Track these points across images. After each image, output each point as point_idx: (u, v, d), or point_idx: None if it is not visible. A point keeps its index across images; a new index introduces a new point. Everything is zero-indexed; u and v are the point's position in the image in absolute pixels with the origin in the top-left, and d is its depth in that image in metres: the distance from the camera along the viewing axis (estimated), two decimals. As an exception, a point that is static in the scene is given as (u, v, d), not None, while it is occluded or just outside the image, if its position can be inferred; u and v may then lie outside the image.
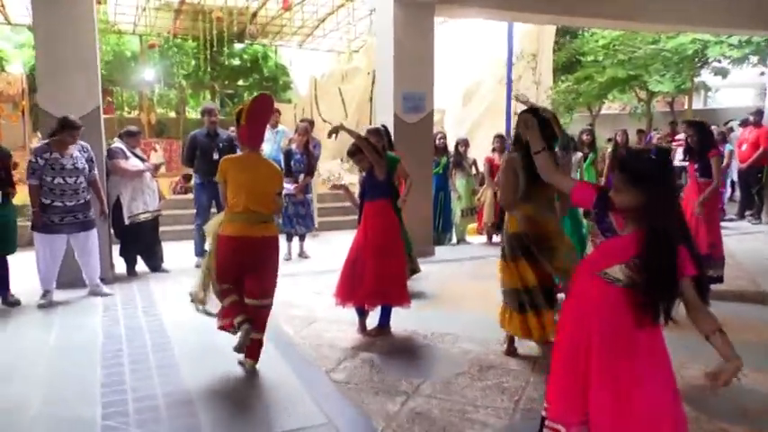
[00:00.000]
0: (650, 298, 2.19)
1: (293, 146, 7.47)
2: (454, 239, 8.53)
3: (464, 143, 8.41)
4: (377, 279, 4.44)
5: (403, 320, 4.80)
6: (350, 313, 4.76)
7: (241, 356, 4.02)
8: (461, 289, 6.11)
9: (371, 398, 3.59)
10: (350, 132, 4.67)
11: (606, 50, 12.74)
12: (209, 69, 16.63)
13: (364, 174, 4.70)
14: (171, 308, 5.43)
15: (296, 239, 7.59)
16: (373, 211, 4.55)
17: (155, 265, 6.76)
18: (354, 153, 4.60)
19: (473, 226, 8.62)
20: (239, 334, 3.80)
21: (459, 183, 8.29)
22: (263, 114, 3.98)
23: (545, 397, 2.64)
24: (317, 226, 7.94)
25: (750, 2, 9.12)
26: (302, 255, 7.58)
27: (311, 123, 8.25)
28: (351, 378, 3.88)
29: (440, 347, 4.44)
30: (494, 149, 8.33)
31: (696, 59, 12.17)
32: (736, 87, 20.83)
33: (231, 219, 3.84)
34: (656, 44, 12.29)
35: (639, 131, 12.40)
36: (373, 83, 14.96)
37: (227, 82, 18.81)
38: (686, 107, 16.64)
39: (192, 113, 20.29)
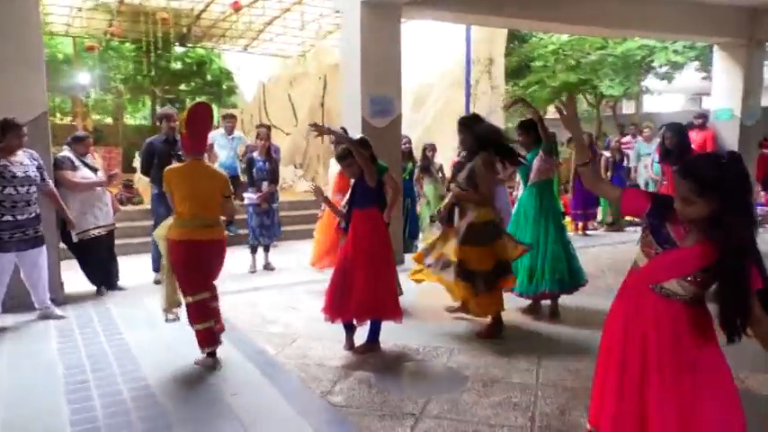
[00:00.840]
0: (725, 314, 2.05)
1: (255, 153, 7.10)
2: (421, 246, 8.33)
3: (432, 148, 8.25)
4: (368, 291, 4.19)
5: (389, 335, 4.54)
6: (332, 329, 4.47)
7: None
8: (439, 298, 5.89)
9: (377, 422, 3.33)
10: (339, 136, 4.41)
11: (556, 56, 12.95)
12: (150, 73, 15.88)
13: (353, 181, 4.45)
14: (134, 329, 5.00)
15: (260, 251, 7.21)
16: (363, 219, 4.30)
17: (110, 282, 6.25)
18: (345, 157, 4.33)
19: (440, 232, 8.45)
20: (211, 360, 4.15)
21: (427, 188, 8.13)
22: (203, 122, 4.11)
23: (588, 420, 2.47)
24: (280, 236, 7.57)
25: (695, 9, 9.39)
26: (267, 267, 7.21)
27: (269, 128, 7.89)
28: (350, 401, 3.61)
29: (436, 362, 4.23)
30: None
31: (643, 64, 12.57)
32: (672, 93, 21.63)
33: (180, 224, 4.01)
34: (603, 49, 12.60)
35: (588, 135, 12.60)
36: (324, 88, 14.70)
37: (167, 87, 18.06)
38: (627, 111, 17.18)
39: (131, 120, 19.43)
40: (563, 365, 4.08)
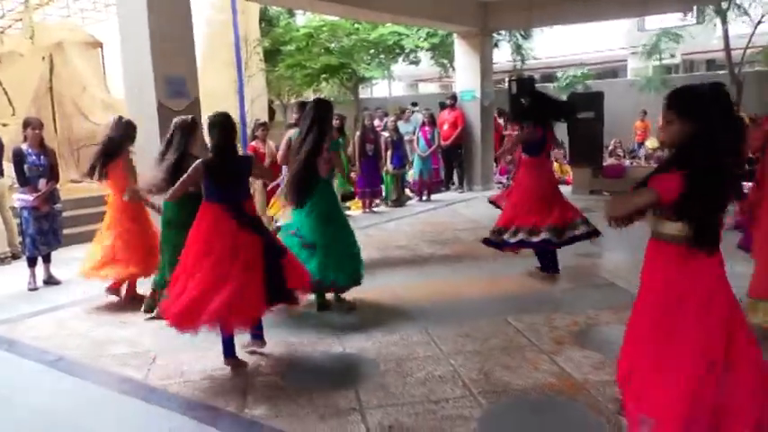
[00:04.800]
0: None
1: (24, 145, 5.75)
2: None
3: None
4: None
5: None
6: (187, 339, 3.89)
7: None
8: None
9: (321, 424, 3.05)
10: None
11: (311, 39, 13.10)
12: None
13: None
14: None
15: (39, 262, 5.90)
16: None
17: None
18: None
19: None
20: None
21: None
22: None
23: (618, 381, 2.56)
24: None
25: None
26: (50, 281, 5.92)
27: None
28: (275, 410, 3.22)
29: (332, 351, 4.01)
30: (255, 137, 7.87)
31: (394, 50, 13.51)
32: (394, 80, 23.57)
33: None
34: (355, 34, 13.17)
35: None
36: (51, 70, 12.59)
37: None
38: (363, 96, 18.26)
39: None
40: (453, 333, 4.22)
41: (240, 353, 3.86)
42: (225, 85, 10.87)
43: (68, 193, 9.96)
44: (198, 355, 3.95)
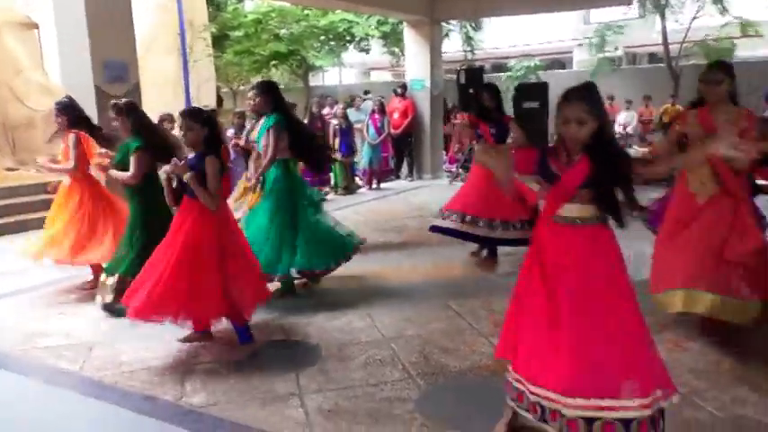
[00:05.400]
0: (609, 206, 2.43)
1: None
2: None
3: (170, 118, 7.49)
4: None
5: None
6: (129, 328, 3.96)
7: None
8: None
9: (260, 410, 3.06)
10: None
11: (260, 25, 12.91)
12: None
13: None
14: None
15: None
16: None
17: None
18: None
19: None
20: None
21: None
22: None
23: (497, 354, 2.67)
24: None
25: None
26: (-18, 272, 5.74)
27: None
28: (214, 397, 3.21)
29: (273, 338, 4.02)
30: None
31: (345, 37, 13.44)
32: (345, 67, 23.50)
33: None
34: (305, 21, 13.05)
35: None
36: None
37: None
38: (314, 84, 18.12)
39: None
40: (395, 317, 4.28)
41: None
42: (170, 71, 10.62)
43: (2, 181, 9.59)
44: (137, 346, 3.90)
